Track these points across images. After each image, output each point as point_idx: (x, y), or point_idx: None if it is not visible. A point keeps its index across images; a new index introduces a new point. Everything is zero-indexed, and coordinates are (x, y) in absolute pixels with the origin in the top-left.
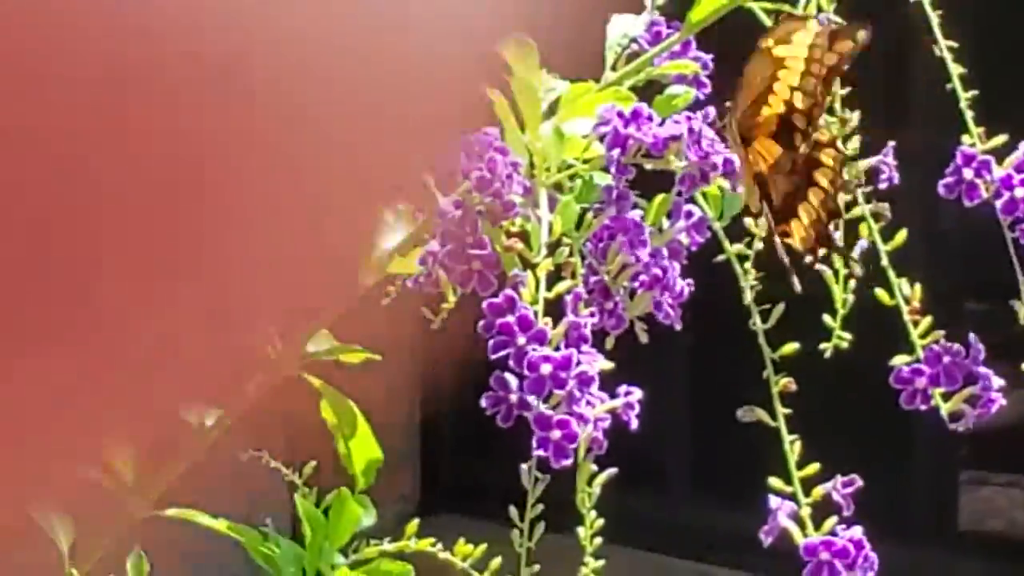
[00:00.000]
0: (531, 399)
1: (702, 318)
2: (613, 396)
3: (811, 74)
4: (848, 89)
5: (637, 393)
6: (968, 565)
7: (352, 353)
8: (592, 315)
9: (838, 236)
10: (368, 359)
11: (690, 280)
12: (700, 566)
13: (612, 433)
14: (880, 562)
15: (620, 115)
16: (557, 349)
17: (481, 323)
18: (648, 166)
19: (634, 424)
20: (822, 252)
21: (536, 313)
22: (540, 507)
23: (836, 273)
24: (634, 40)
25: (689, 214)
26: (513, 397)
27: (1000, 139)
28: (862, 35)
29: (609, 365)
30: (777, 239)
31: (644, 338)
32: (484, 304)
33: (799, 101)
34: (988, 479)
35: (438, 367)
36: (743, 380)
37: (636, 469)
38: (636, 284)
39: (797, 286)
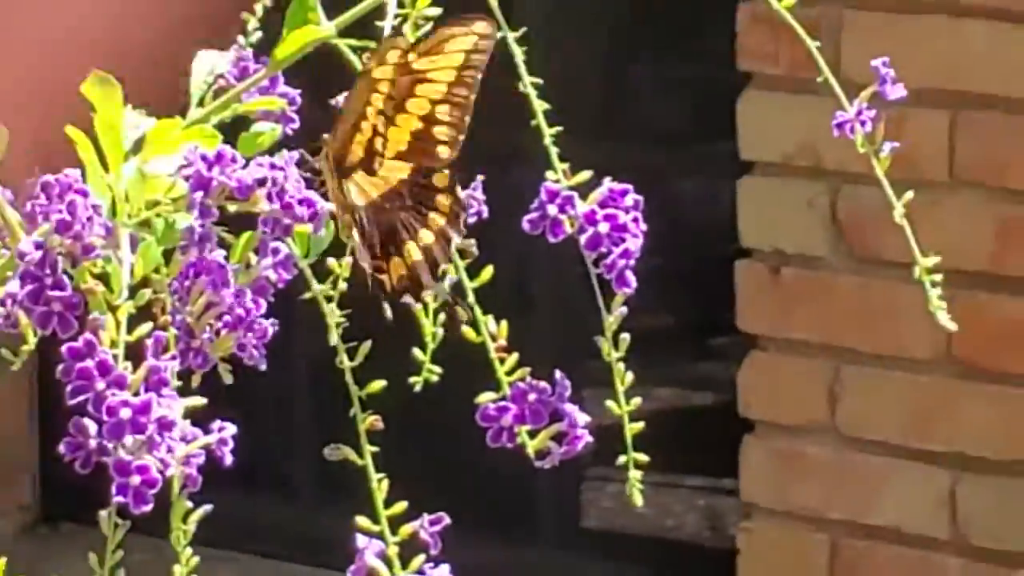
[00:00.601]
0: (110, 445)
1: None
2: (207, 432)
3: (386, 94)
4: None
5: (231, 429)
6: (594, 565)
7: None
8: (174, 358)
9: (442, 283)
10: None
11: (275, 320)
12: (321, 571)
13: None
14: (507, 565)
15: (204, 157)
16: (137, 394)
17: (60, 368)
18: (232, 208)
19: (228, 460)
20: (427, 295)
21: (116, 357)
22: (120, 553)
23: (425, 307)
24: (222, 76)
25: (276, 251)
26: (92, 443)
27: (585, 175)
28: (482, 26)
29: (202, 402)
30: (369, 272)
31: (228, 379)
32: (63, 348)
33: (381, 125)
34: (613, 476)
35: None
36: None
37: (263, 479)
38: (221, 324)
39: (389, 315)
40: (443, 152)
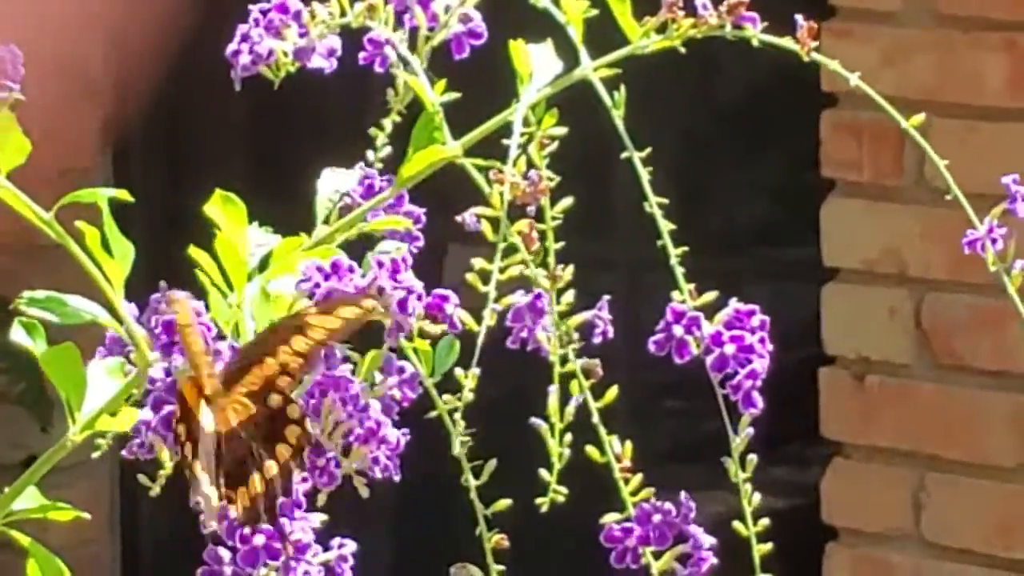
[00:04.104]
0: (245, 572)
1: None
2: (326, 548)
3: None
4: (561, 244)
5: (351, 545)
6: None
7: (61, 511)
8: (304, 479)
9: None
10: (78, 517)
11: (405, 430)
12: None
13: None
14: None
15: (319, 269)
16: None
17: (192, 499)
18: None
19: None
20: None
21: None
22: None
23: (552, 427)
24: (347, 193)
25: (401, 369)
26: (227, 570)
27: (710, 296)
28: (369, 303)
29: (322, 518)
30: (215, 503)
31: (364, 492)
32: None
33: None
34: None
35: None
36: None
37: None
38: (351, 439)
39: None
40: (275, 402)
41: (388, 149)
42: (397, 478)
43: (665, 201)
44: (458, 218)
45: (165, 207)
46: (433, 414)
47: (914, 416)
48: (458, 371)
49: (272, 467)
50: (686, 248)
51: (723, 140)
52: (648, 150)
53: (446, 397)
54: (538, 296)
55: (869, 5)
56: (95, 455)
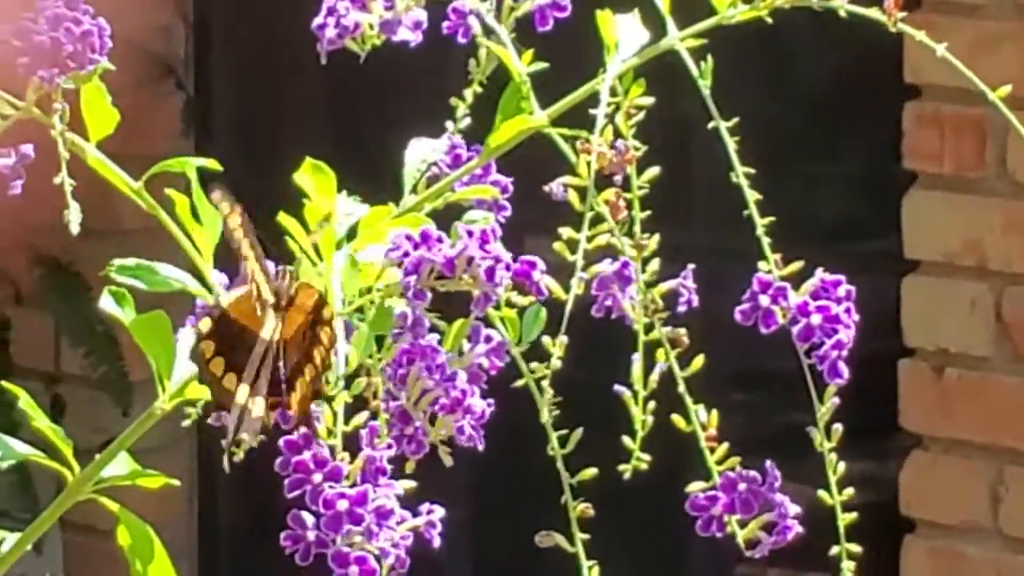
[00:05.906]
0: (329, 537)
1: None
2: (415, 514)
3: None
4: (647, 213)
5: (439, 511)
6: None
7: (151, 478)
8: (389, 446)
9: (319, 415)
10: (167, 484)
11: (491, 400)
12: None
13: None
14: None
15: (409, 238)
16: (355, 484)
17: (278, 461)
18: (441, 289)
19: (437, 542)
20: (302, 431)
21: (333, 448)
22: None
23: (635, 395)
24: (435, 163)
25: (488, 338)
26: (311, 535)
27: (796, 265)
28: None
29: (411, 485)
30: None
31: (448, 461)
32: (281, 441)
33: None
34: (765, 574)
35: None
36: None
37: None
38: (436, 408)
39: (226, 466)
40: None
41: (468, 120)
42: (481, 447)
43: (752, 171)
44: (546, 188)
45: (244, 188)
46: (520, 383)
47: (993, 409)
48: (546, 339)
49: (311, 370)
50: (772, 218)
51: (805, 131)
52: (735, 120)
53: (532, 365)
54: (625, 264)
55: None
56: (185, 423)
